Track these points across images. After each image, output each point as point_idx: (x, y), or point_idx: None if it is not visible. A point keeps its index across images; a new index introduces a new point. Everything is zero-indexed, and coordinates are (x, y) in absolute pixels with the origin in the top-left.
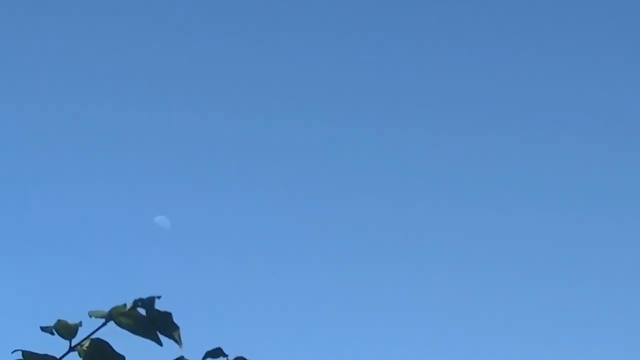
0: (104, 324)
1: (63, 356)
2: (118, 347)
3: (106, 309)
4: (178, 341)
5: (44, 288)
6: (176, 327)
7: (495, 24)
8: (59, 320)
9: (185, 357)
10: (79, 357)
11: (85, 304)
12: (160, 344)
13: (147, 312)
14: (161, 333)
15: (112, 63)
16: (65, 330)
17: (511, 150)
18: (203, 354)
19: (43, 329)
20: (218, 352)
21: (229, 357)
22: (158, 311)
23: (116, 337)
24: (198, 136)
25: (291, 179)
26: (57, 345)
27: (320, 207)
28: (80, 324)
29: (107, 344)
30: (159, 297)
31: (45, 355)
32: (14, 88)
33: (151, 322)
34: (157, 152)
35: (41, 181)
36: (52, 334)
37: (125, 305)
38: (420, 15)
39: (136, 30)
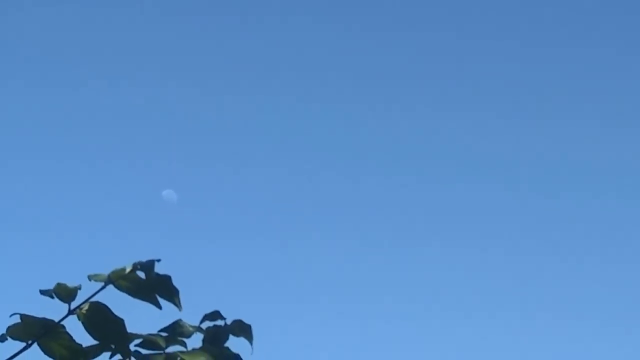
0: (103, 287)
1: (62, 319)
2: (117, 311)
3: (106, 272)
4: (177, 304)
5: (50, 258)
6: (176, 291)
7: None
8: (58, 284)
9: (185, 320)
10: (78, 320)
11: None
12: (160, 307)
13: (146, 276)
14: (160, 296)
15: (122, 43)
16: (65, 293)
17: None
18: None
19: (42, 292)
20: (216, 315)
21: (226, 320)
22: (157, 274)
23: (116, 300)
24: (205, 111)
25: (302, 155)
26: (57, 308)
27: (325, 183)
28: (79, 287)
29: (106, 307)
30: (158, 261)
31: (44, 318)
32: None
33: (150, 285)
34: (165, 128)
35: (51, 154)
36: (52, 297)
37: (124, 268)
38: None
39: (136, 11)
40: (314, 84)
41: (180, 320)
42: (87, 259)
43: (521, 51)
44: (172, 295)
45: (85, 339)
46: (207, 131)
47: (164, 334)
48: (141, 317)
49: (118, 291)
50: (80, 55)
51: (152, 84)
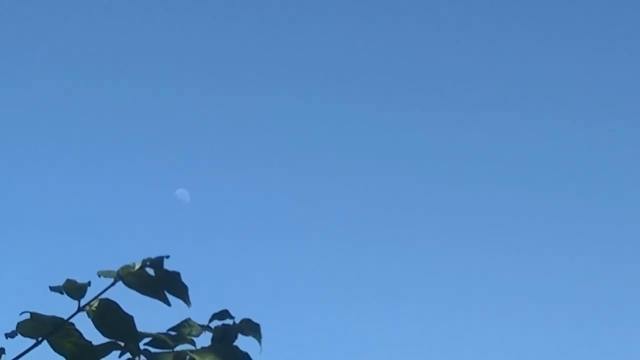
0: (112, 284)
1: (72, 316)
2: (127, 308)
3: (115, 269)
4: (186, 301)
5: (64, 256)
6: (184, 287)
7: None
8: (67, 280)
9: (194, 319)
10: (88, 317)
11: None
12: (169, 303)
13: (155, 272)
14: (169, 293)
15: (138, 41)
16: (74, 290)
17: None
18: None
19: (52, 288)
20: (225, 314)
21: (235, 319)
22: (166, 271)
23: (125, 299)
24: (219, 111)
25: (315, 156)
26: (68, 305)
27: (339, 184)
28: (89, 283)
29: (116, 304)
30: (167, 257)
31: (53, 316)
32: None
33: (159, 282)
34: (179, 127)
35: (66, 153)
36: (61, 293)
37: (133, 264)
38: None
39: (150, 10)
40: (322, 85)
41: (189, 319)
42: (100, 257)
43: (516, 49)
44: (181, 291)
45: (95, 337)
46: (220, 131)
47: (172, 333)
48: (150, 317)
49: (127, 289)
50: (94, 53)
51: (168, 83)
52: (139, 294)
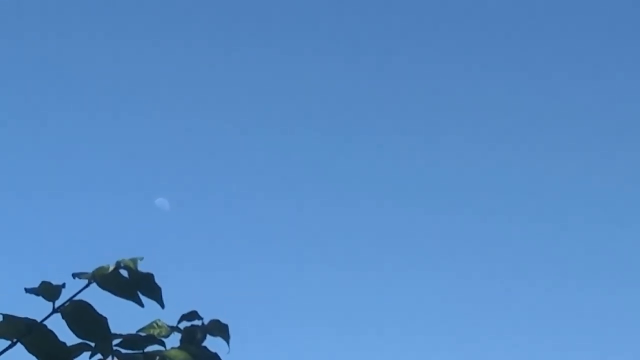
0: (87, 286)
1: (47, 317)
2: (101, 309)
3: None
4: (160, 302)
5: (43, 266)
6: (158, 288)
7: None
8: (42, 282)
9: (163, 320)
10: (62, 319)
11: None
12: (142, 305)
13: (129, 274)
14: (143, 294)
15: (119, 52)
16: (49, 291)
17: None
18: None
19: (28, 290)
20: (193, 315)
21: (204, 320)
22: (140, 272)
23: (99, 301)
24: (198, 120)
25: (293, 165)
26: (43, 307)
27: (315, 193)
28: (63, 285)
29: (90, 305)
30: (141, 259)
31: (26, 318)
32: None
33: (133, 283)
34: (158, 136)
35: (48, 161)
36: (37, 295)
37: (108, 266)
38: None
39: (140, 36)
40: (303, 103)
41: (158, 320)
42: (79, 266)
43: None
44: (155, 292)
45: (69, 338)
46: (200, 140)
47: (142, 334)
48: (122, 318)
49: (102, 291)
50: (74, 61)
51: (146, 93)
52: (112, 296)
